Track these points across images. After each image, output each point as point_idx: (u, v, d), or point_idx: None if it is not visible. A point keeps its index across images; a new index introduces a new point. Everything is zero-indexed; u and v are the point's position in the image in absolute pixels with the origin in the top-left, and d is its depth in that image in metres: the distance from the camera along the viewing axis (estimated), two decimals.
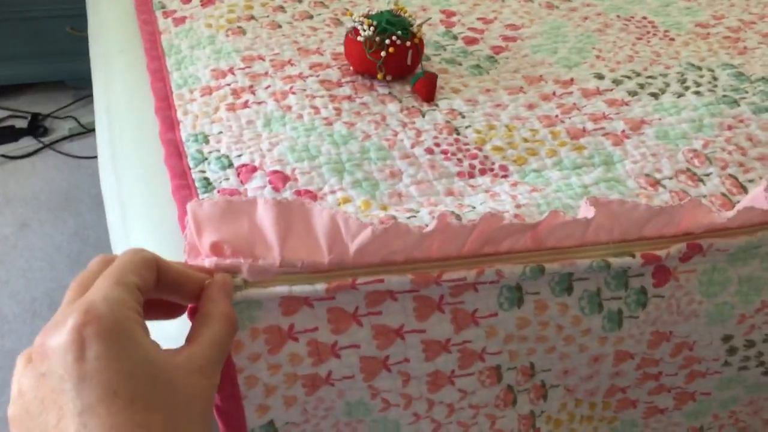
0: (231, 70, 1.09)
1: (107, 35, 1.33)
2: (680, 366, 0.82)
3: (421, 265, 0.68)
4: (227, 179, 0.88)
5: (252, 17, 1.25)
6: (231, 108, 1.00)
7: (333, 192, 0.87)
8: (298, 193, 0.86)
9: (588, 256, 0.72)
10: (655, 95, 1.06)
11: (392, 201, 0.86)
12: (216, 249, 0.65)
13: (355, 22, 1.07)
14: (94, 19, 1.49)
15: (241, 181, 0.88)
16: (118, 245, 0.99)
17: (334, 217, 0.64)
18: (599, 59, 1.16)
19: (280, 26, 1.22)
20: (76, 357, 0.50)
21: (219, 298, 0.62)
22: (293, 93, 1.04)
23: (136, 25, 1.28)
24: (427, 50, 1.16)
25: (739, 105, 1.03)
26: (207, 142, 0.94)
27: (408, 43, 1.05)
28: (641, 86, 1.08)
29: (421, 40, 1.07)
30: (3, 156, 2.37)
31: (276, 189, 0.86)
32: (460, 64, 1.14)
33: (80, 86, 2.57)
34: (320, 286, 0.66)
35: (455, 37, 1.22)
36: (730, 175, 0.90)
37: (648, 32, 1.24)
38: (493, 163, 0.93)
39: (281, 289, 0.65)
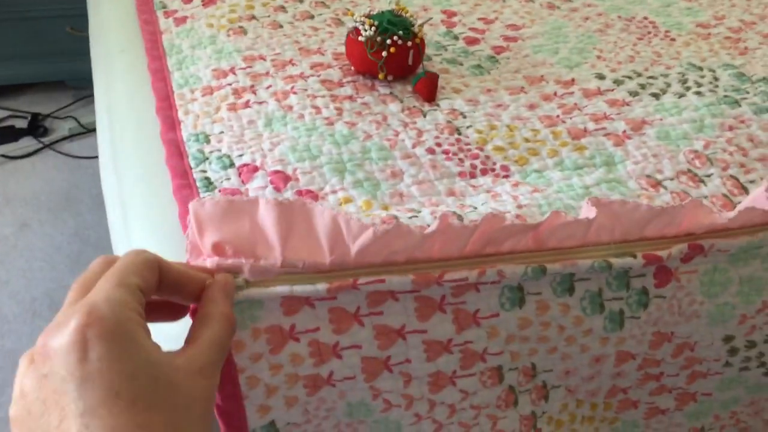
0: (232, 70, 1.09)
1: (108, 35, 1.33)
2: (681, 366, 0.82)
3: (422, 265, 0.68)
4: (228, 179, 0.88)
5: (253, 17, 1.24)
6: (232, 108, 1.00)
7: (334, 192, 0.87)
8: (300, 193, 0.86)
9: (589, 257, 0.72)
10: (656, 95, 1.06)
11: (393, 201, 0.86)
12: (218, 249, 0.65)
13: (356, 22, 1.07)
14: (95, 19, 1.49)
15: (243, 181, 0.88)
16: (119, 245, 0.99)
17: (335, 217, 0.64)
18: (600, 59, 1.16)
19: (281, 26, 1.22)
20: (78, 358, 0.50)
21: (219, 298, 0.62)
22: (294, 93, 1.04)
23: (137, 24, 1.28)
24: (429, 50, 1.16)
25: (740, 105, 1.03)
26: (208, 141, 0.94)
27: (409, 43, 1.05)
28: (642, 86, 1.08)
29: (422, 40, 1.07)
30: (3, 156, 2.37)
31: (277, 189, 0.86)
32: (461, 64, 1.14)
33: (80, 86, 2.57)
34: (321, 286, 0.66)
35: (456, 37, 1.22)
36: (731, 176, 0.90)
37: (649, 32, 1.24)
38: (494, 163, 0.93)
39: (282, 288, 0.65)
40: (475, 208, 0.83)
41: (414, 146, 0.94)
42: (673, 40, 1.22)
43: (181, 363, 0.55)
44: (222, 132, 0.96)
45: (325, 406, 0.72)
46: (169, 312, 0.64)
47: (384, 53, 1.04)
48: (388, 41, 1.04)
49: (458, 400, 0.76)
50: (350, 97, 1.04)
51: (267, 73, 1.08)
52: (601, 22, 1.27)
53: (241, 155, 0.91)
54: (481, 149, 0.95)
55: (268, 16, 1.25)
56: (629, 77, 1.11)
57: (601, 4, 1.34)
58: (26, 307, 1.89)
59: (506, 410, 0.79)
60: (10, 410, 0.54)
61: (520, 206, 0.82)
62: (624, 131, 0.98)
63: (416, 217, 0.80)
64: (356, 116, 0.99)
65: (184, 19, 1.25)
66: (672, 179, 0.89)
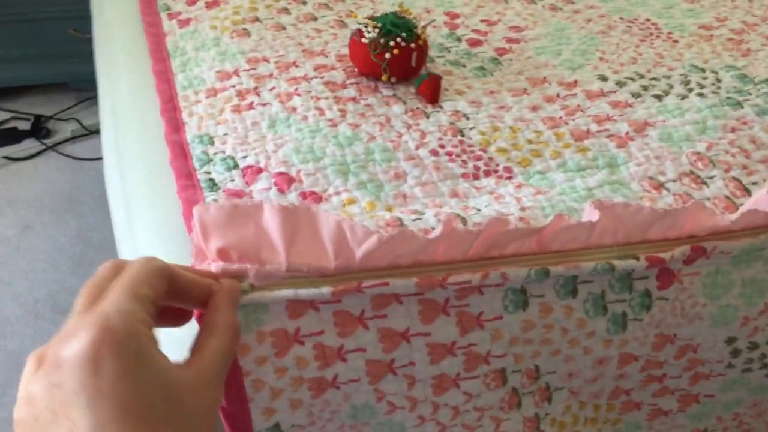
0: (236, 72, 1.09)
1: (112, 37, 1.33)
2: (684, 368, 0.82)
3: (426, 268, 0.68)
4: (232, 180, 0.88)
5: (257, 19, 1.25)
6: (236, 109, 1.00)
7: (338, 193, 0.87)
8: (303, 194, 0.86)
9: (592, 259, 0.73)
10: (658, 97, 1.06)
11: (397, 202, 0.86)
12: (223, 254, 0.65)
13: (359, 24, 1.07)
14: (98, 21, 1.50)
15: (247, 183, 0.88)
16: (123, 246, 1.00)
17: (340, 223, 0.64)
18: (603, 61, 1.16)
19: (284, 28, 1.23)
20: (90, 372, 0.50)
21: (226, 307, 0.62)
22: (298, 94, 1.04)
23: (141, 26, 1.28)
24: (432, 52, 1.16)
25: (742, 107, 1.03)
26: (212, 143, 0.94)
27: (412, 45, 1.05)
28: (645, 88, 1.08)
29: (425, 41, 1.08)
30: (6, 158, 2.37)
31: (281, 190, 0.86)
32: (464, 66, 1.14)
33: (83, 88, 2.57)
34: (326, 290, 0.66)
35: (459, 39, 1.22)
36: (734, 178, 0.90)
37: (651, 34, 1.25)
38: (497, 165, 0.93)
39: (287, 292, 0.65)
40: (479, 210, 0.83)
41: (417, 148, 0.94)
42: (675, 41, 1.22)
43: (189, 377, 0.55)
44: (226, 134, 0.96)
45: (330, 409, 0.73)
46: (173, 317, 0.64)
47: (387, 55, 1.04)
48: (392, 43, 1.04)
49: (462, 402, 0.77)
50: (353, 99, 1.04)
51: (270, 75, 1.09)
52: (604, 24, 1.28)
53: (245, 157, 0.91)
54: (484, 151, 0.95)
55: (272, 18, 1.25)
56: (632, 79, 1.11)
57: (603, 5, 1.34)
58: (29, 308, 1.89)
59: (509, 412, 0.79)
60: (15, 412, 0.54)
61: (523, 209, 0.83)
62: (627, 133, 0.98)
63: (420, 219, 0.80)
64: (360, 118, 1.00)
65: (187, 21, 1.25)
66: (674, 181, 0.90)
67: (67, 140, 2.46)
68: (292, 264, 0.65)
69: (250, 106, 1.01)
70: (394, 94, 1.05)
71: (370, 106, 1.02)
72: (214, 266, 0.65)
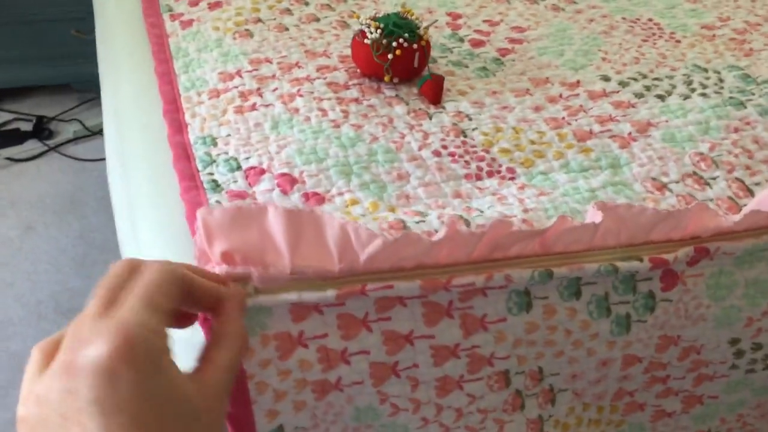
0: (238, 73, 1.09)
1: (114, 38, 1.33)
2: (688, 369, 0.82)
3: (430, 270, 0.68)
4: (235, 182, 0.88)
5: (259, 20, 1.25)
6: (239, 110, 1.00)
7: (341, 194, 0.87)
8: (306, 195, 0.86)
9: (596, 261, 0.73)
10: (661, 97, 1.06)
11: (400, 203, 0.86)
12: (227, 257, 0.65)
13: (362, 24, 1.07)
14: (101, 22, 1.50)
15: (249, 184, 0.88)
16: (126, 247, 1.00)
17: (344, 226, 0.64)
18: (605, 61, 1.16)
19: (287, 29, 1.23)
20: (107, 384, 0.50)
21: (236, 317, 0.62)
22: (300, 95, 1.04)
23: (144, 28, 1.28)
24: (434, 53, 1.16)
25: (745, 107, 1.03)
26: (215, 144, 0.94)
27: (415, 46, 1.05)
28: (647, 88, 1.08)
29: (427, 42, 1.08)
30: (8, 159, 2.38)
31: (284, 192, 0.86)
32: (467, 67, 1.14)
33: (85, 89, 2.57)
34: (330, 293, 0.66)
35: (461, 40, 1.22)
36: (737, 179, 0.90)
37: (654, 34, 1.24)
38: (500, 166, 0.93)
39: (291, 295, 0.65)
40: (482, 212, 0.83)
41: (420, 148, 0.94)
42: (678, 41, 1.22)
43: (201, 391, 0.56)
44: (229, 135, 0.96)
45: (333, 411, 0.73)
46: (178, 319, 0.64)
47: (390, 56, 1.04)
48: (394, 44, 1.04)
49: (465, 404, 0.77)
50: (356, 100, 1.04)
51: (273, 76, 1.09)
52: (606, 24, 1.27)
53: (248, 158, 0.91)
54: (487, 151, 0.95)
55: (274, 19, 1.25)
56: (634, 79, 1.11)
57: (605, 5, 1.34)
58: (31, 309, 1.89)
59: (513, 414, 0.79)
60: (20, 408, 0.53)
61: (526, 210, 0.83)
62: (629, 133, 0.98)
63: (423, 221, 0.80)
64: (362, 119, 1.00)
65: (190, 22, 1.25)
66: (677, 182, 0.89)
67: (69, 141, 2.46)
68: (296, 267, 0.65)
69: (253, 107, 1.01)
70: (396, 95, 1.05)
71: (373, 107, 1.02)
72: (218, 269, 0.65)
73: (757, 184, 0.90)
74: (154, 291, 0.55)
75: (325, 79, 1.08)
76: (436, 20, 1.25)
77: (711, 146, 0.95)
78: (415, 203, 0.86)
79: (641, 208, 0.73)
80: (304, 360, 0.69)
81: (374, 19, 1.07)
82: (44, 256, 2.04)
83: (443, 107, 1.03)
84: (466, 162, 0.93)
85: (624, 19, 1.30)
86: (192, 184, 0.88)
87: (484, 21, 1.28)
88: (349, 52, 1.13)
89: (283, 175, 0.89)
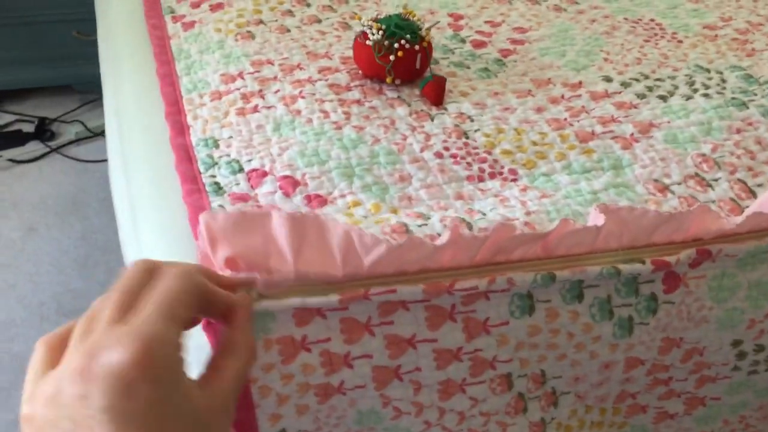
0: (240, 75, 1.09)
1: (116, 40, 1.33)
2: (690, 371, 0.82)
3: (432, 274, 0.68)
4: (238, 184, 0.88)
5: (261, 21, 1.25)
6: (241, 112, 1.00)
7: (343, 196, 0.87)
8: (308, 197, 0.86)
9: (598, 263, 0.73)
10: (663, 98, 1.06)
11: (402, 205, 0.86)
12: (230, 263, 0.65)
13: (363, 26, 1.07)
14: (102, 23, 1.50)
15: (252, 186, 0.88)
16: (128, 248, 1.00)
17: (348, 232, 0.64)
18: (607, 62, 1.16)
19: (288, 30, 1.23)
20: (122, 395, 0.49)
21: (246, 327, 0.62)
22: (302, 97, 1.04)
23: (145, 29, 1.28)
24: (436, 54, 1.16)
25: (747, 107, 1.03)
26: (217, 146, 0.94)
27: (416, 47, 1.05)
28: (649, 89, 1.08)
29: (429, 43, 1.08)
30: (10, 160, 2.38)
31: (286, 194, 0.86)
32: (469, 68, 1.14)
33: (86, 90, 2.57)
34: (333, 297, 0.66)
35: (463, 41, 1.22)
36: (739, 180, 0.90)
37: (656, 34, 1.24)
38: (502, 167, 0.93)
39: (295, 300, 0.65)
40: (484, 214, 0.83)
41: (422, 150, 0.94)
42: (680, 42, 1.22)
43: (211, 402, 0.56)
44: (231, 137, 0.96)
45: (336, 414, 0.73)
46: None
47: (391, 57, 1.04)
48: (396, 45, 1.04)
49: (468, 407, 0.76)
50: (358, 101, 1.04)
51: (275, 78, 1.09)
52: (608, 25, 1.27)
53: (250, 160, 0.91)
54: (489, 153, 0.95)
55: (276, 21, 1.25)
56: (636, 79, 1.11)
57: (607, 6, 1.34)
58: (34, 311, 1.89)
59: (515, 417, 0.79)
60: (24, 407, 0.53)
61: (528, 213, 0.82)
62: (631, 134, 0.98)
63: (426, 224, 0.80)
64: (364, 120, 1.00)
65: (192, 24, 1.25)
66: (679, 184, 0.89)
67: (71, 142, 2.46)
68: (300, 272, 0.65)
69: (255, 109, 1.01)
70: (398, 96, 1.05)
71: (375, 109, 1.02)
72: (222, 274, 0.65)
73: (760, 185, 0.90)
74: (173, 301, 0.55)
75: (326, 80, 1.08)
76: (438, 21, 1.25)
77: (713, 147, 0.95)
78: (417, 205, 0.86)
79: (643, 210, 0.73)
80: (307, 364, 0.69)
81: (376, 20, 1.07)
82: (46, 257, 2.04)
83: (445, 108, 1.03)
84: (468, 163, 0.93)
85: (626, 19, 1.30)
86: (194, 187, 0.88)
87: (486, 22, 1.28)
88: (350, 53, 1.13)
89: (286, 177, 0.89)
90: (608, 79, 1.11)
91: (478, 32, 1.25)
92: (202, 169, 0.91)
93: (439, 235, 0.77)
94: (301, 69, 1.11)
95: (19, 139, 2.45)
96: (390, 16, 1.07)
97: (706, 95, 1.06)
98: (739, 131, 0.98)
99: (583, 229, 0.72)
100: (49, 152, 2.42)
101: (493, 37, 1.23)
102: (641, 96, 1.06)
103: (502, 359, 0.74)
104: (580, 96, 1.07)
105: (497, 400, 0.77)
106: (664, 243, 0.75)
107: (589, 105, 1.05)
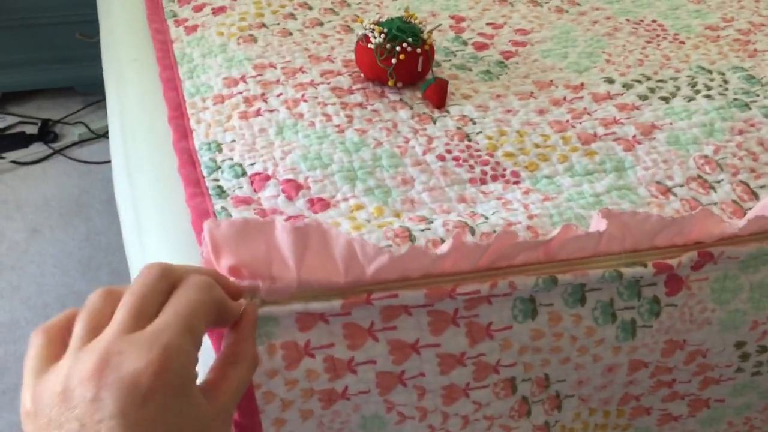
0: (243, 78, 1.09)
1: (119, 43, 1.33)
2: (694, 373, 0.83)
3: (435, 279, 0.69)
4: (240, 188, 0.88)
5: (263, 25, 1.25)
6: (243, 116, 1.00)
7: (346, 200, 0.87)
8: (311, 201, 0.86)
9: (600, 267, 0.73)
10: (665, 99, 1.06)
11: (405, 208, 0.86)
12: (234, 272, 0.65)
13: (365, 29, 1.07)
14: (105, 25, 1.50)
15: (255, 190, 0.88)
16: (131, 250, 1.00)
17: (351, 242, 0.64)
18: (609, 63, 1.16)
19: (290, 34, 1.23)
20: (136, 402, 0.49)
21: (251, 335, 0.62)
22: (305, 100, 1.04)
23: (148, 33, 1.28)
24: (438, 56, 1.16)
25: (750, 108, 1.03)
26: (220, 150, 0.95)
27: (418, 50, 1.05)
28: (652, 90, 1.08)
29: (431, 46, 1.08)
30: (14, 162, 2.38)
31: (289, 198, 0.87)
32: (471, 70, 1.14)
33: (90, 92, 2.57)
34: (336, 302, 0.66)
35: (465, 43, 1.22)
36: (741, 182, 0.90)
37: (658, 35, 1.24)
38: (504, 169, 0.93)
39: (298, 305, 0.66)
40: (487, 218, 0.83)
41: (424, 153, 0.94)
42: (682, 43, 1.22)
43: (216, 413, 0.56)
44: (234, 140, 0.96)
45: (340, 419, 0.73)
46: None
47: (393, 60, 1.04)
48: (398, 48, 1.04)
49: (471, 411, 0.77)
50: (360, 104, 1.04)
51: (277, 81, 1.09)
52: (610, 26, 1.27)
53: (252, 164, 0.92)
54: (492, 155, 0.95)
55: (278, 24, 1.25)
56: (638, 81, 1.11)
57: (609, 7, 1.34)
58: (38, 312, 1.89)
59: (519, 420, 0.80)
60: (25, 402, 0.53)
61: (531, 216, 0.82)
62: (634, 136, 0.98)
63: (428, 228, 0.80)
64: (366, 123, 1.00)
65: (194, 28, 1.25)
66: (682, 186, 0.89)
67: (74, 144, 2.46)
68: (303, 281, 0.65)
69: (258, 113, 1.01)
70: (400, 99, 1.05)
71: (377, 112, 1.02)
72: None
73: (762, 187, 0.90)
74: (194, 312, 0.55)
75: (329, 83, 1.08)
76: (440, 24, 1.25)
77: (715, 149, 0.95)
78: (419, 208, 0.86)
79: (645, 214, 0.73)
80: (311, 370, 0.69)
81: (378, 23, 1.07)
82: (50, 259, 2.04)
83: (447, 111, 1.03)
84: (471, 166, 0.93)
85: (628, 20, 1.29)
86: (197, 191, 0.88)
87: (488, 24, 1.28)
88: (352, 56, 1.13)
89: (288, 180, 0.89)
90: (610, 81, 1.11)
91: (480, 34, 1.25)
92: (205, 172, 0.91)
93: (442, 240, 0.77)
94: (303, 72, 1.11)
95: (22, 140, 2.46)
96: (392, 19, 1.07)
97: (708, 96, 1.06)
98: (741, 132, 0.98)
99: (585, 234, 0.72)
100: (52, 154, 2.42)
101: (494, 39, 1.23)
102: (643, 97, 1.06)
103: (505, 363, 0.74)
104: (582, 98, 1.07)
105: (501, 404, 0.77)
106: (666, 246, 0.75)
107: (591, 107, 1.05)
